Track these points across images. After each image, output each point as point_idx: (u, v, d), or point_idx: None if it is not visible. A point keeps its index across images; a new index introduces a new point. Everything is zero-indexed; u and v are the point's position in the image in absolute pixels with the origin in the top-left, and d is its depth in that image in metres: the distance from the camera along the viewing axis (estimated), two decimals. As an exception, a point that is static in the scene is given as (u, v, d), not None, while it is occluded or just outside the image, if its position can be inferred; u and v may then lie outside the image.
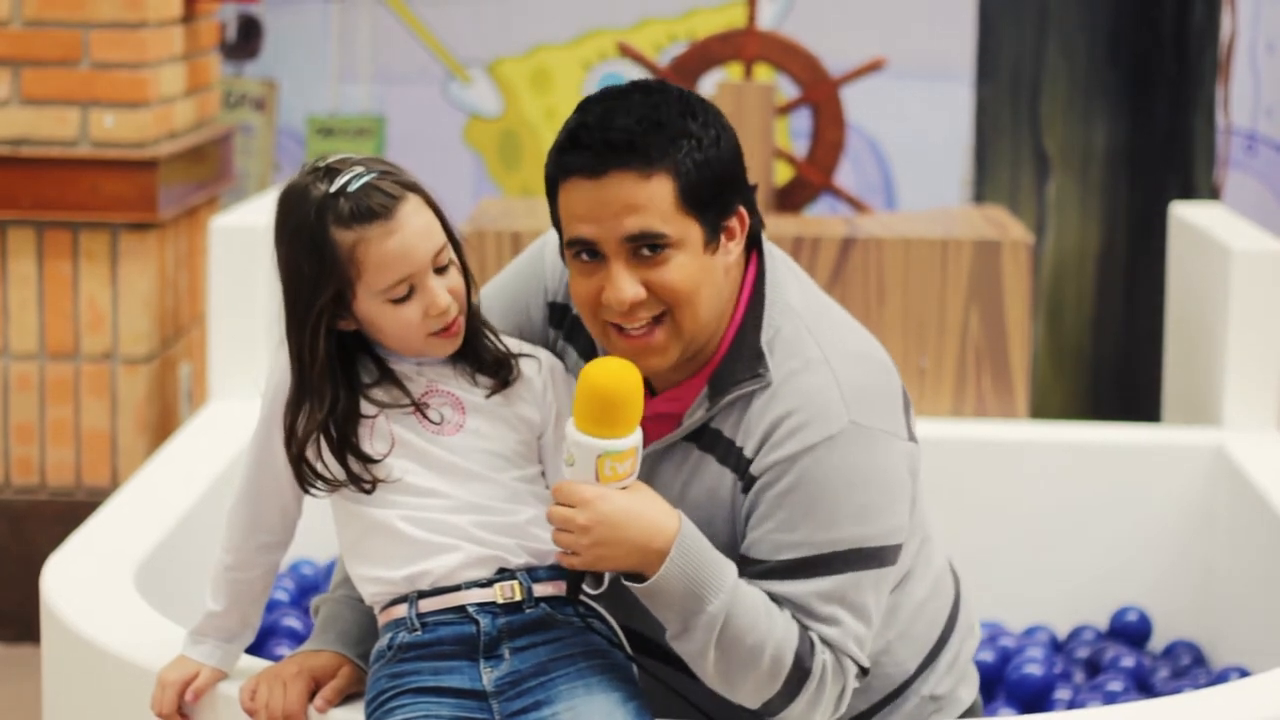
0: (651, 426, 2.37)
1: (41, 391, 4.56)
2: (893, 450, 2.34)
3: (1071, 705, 3.56)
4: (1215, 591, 3.92)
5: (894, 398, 2.38)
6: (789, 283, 2.40)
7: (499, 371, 2.38)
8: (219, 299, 4.16)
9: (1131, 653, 3.76)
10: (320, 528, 2.65)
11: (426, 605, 2.30)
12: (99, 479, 4.56)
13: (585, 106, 2.32)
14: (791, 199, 4.81)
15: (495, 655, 2.29)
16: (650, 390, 2.39)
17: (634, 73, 6.09)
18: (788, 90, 5.24)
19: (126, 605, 2.83)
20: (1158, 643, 3.98)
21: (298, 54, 6.23)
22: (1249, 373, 4.06)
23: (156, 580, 3.10)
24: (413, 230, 2.30)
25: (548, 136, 6.22)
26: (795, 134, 6.09)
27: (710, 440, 2.36)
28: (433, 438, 2.33)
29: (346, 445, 2.31)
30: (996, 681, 3.67)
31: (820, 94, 4.79)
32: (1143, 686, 3.69)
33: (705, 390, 2.35)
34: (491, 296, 2.52)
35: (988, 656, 3.71)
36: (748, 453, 2.33)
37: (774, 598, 2.30)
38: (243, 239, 4.15)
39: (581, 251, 2.31)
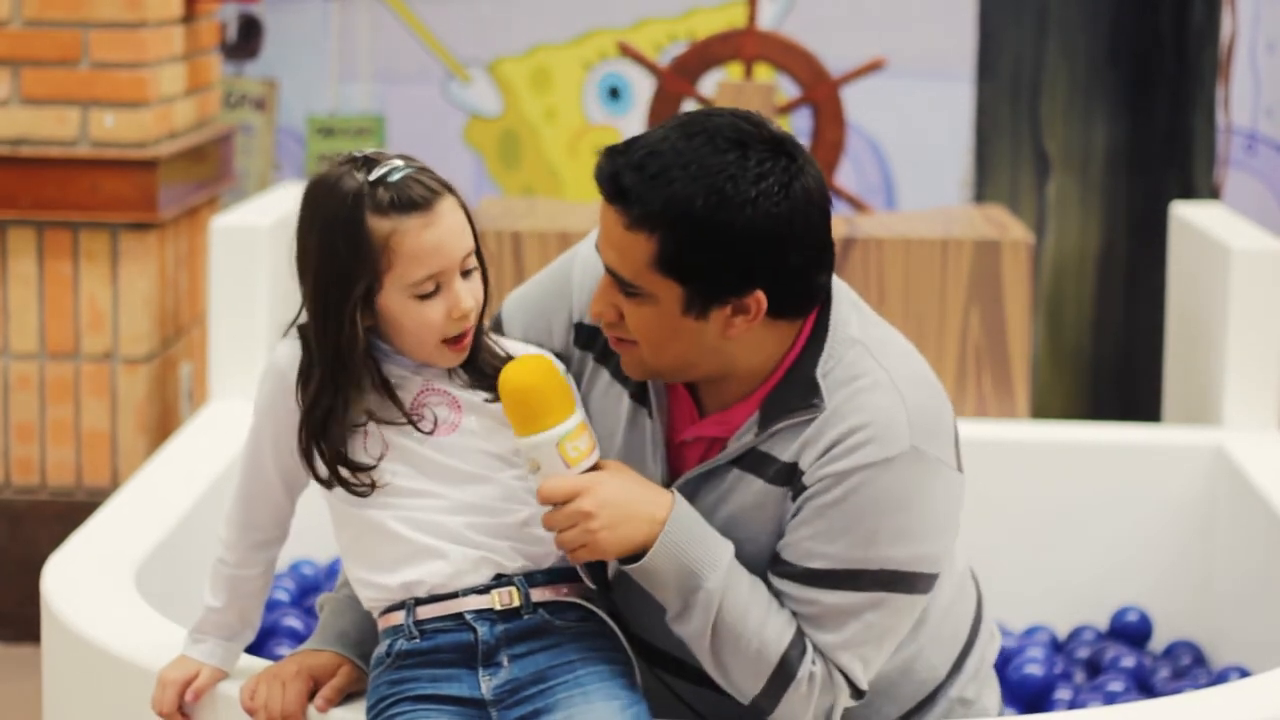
0: (696, 450, 2.36)
1: (42, 391, 4.56)
2: (943, 479, 2.30)
3: (1072, 705, 3.56)
4: (1215, 591, 3.92)
5: (949, 426, 2.34)
6: (849, 316, 2.35)
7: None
8: (219, 299, 4.16)
9: (1132, 653, 3.76)
10: (321, 528, 2.65)
11: (424, 612, 2.30)
12: (99, 479, 4.56)
13: (645, 134, 2.27)
14: (792, 199, 4.80)
15: (494, 663, 2.28)
16: (700, 411, 2.38)
17: (634, 73, 6.09)
18: (788, 90, 5.24)
19: (127, 605, 2.83)
20: (1158, 643, 3.98)
21: (298, 54, 6.23)
22: (1249, 373, 4.06)
23: (157, 580, 3.10)
24: (448, 227, 2.30)
25: (548, 136, 6.23)
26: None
27: (755, 461, 2.32)
28: (427, 439, 2.32)
29: (338, 457, 2.30)
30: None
31: (820, 94, 4.79)
32: (1143, 687, 3.69)
33: (756, 416, 2.32)
34: (513, 307, 2.51)
35: (988, 656, 3.72)
36: (803, 465, 2.28)
37: (787, 598, 2.29)
38: (243, 239, 4.15)
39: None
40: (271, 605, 3.75)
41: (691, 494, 2.34)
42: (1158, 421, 5.07)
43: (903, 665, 2.45)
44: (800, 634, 2.28)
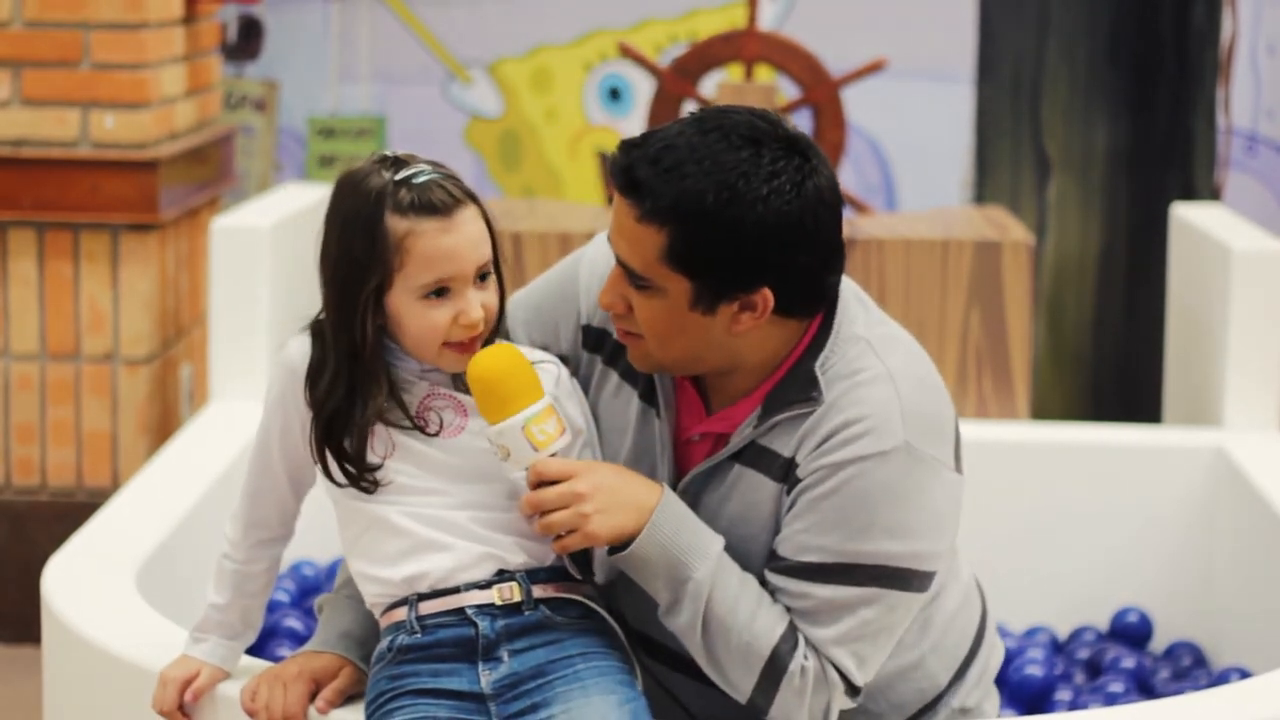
0: (701, 446, 2.37)
1: (42, 392, 4.56)
2: (940, 478, 2.30)
3: (1072, 706, 3.56)
4: (1216, 592, 3.92)
5: (949, 427, 2.35)
6: (856, 313, 2.36)
7: None
8: (220, 300, 4.16)
9: (1132, 654, 3.76)
10: (321, 528, 2.65)
11: (426, 608, 2.30)
12: (100, 480, 4.56)
13: (661, 128, 2.28)
14: (792, 200, 4.80)
15: (494, 657, 2.29)
16: (706, 409, 2.39)
17: (635, 74, 6.10)
18: (788, 91, 5.25)
19: (127, 606, 2.83)
20: (1158, 644, 3.98)
21: (298, 54, 6.23)
22: (1249, 373, 4.06)
23: (157, 581, 3.10)
24: (465, 235, 2.30)
25: (548, 137, 6.23)
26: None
27: (755, 456, 2.34)
28: (433, 441, 2.33)
29: (345, 456, 2.31)
30: (997, 683, 3.66)
31: (821, 95, 4.79)
32: (1143, 687, 3.69)
33: (758, 410, 2.33)
34: (519, 309, 2.51)
35: (988, 657, 3.72)
36: (799, 458, 2.30)
37: (782, 592, 2.29)
38: (244, 240, 4.15)
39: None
40: (272, 606, 3.75)
41: (697, 491, 2.35)
42: (1158, 422, 5.07)
43: (903, 671, 2.46)
44: (792, 628, 2.28)
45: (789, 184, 2.23)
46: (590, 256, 2.48)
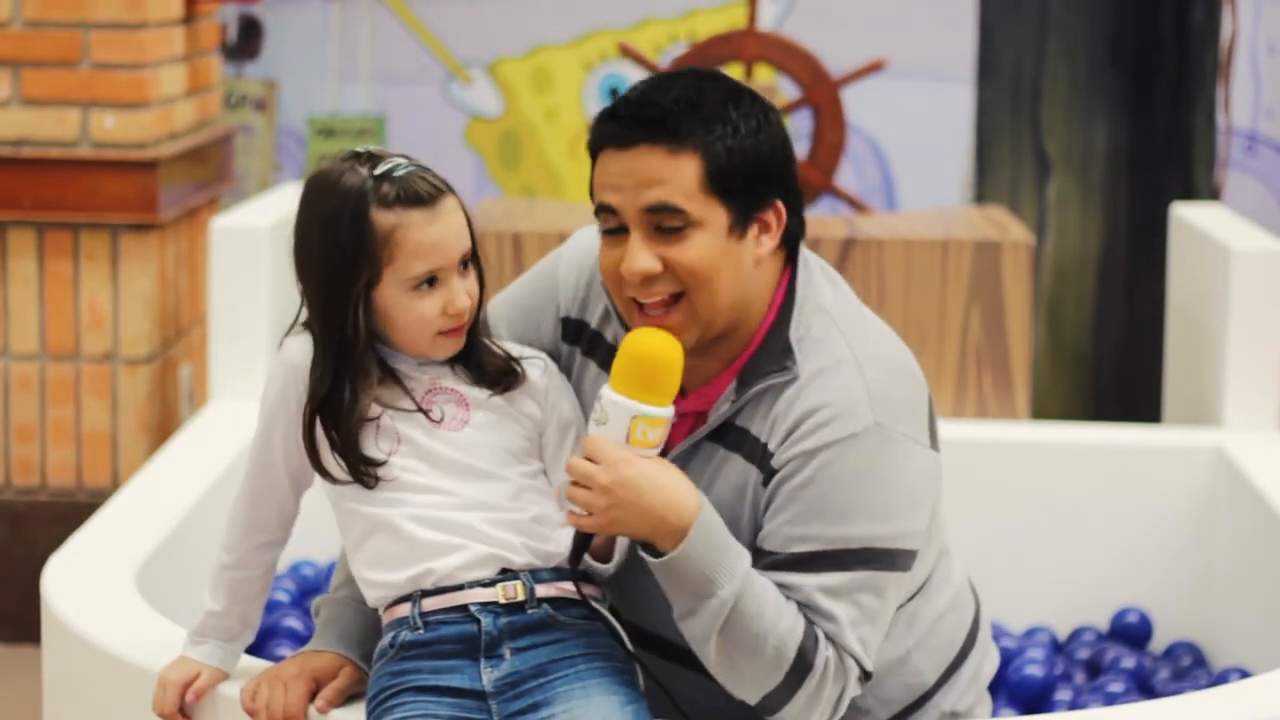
0: (680, 427, 2.38)
1: (42, 392, 4.56)
2: (913, 456, 2.33)
3: (1072, 706, 3.56)
4: (1216, 592, 3.92)
5: (919, 405, 2.37)
6: (823, 286, 2.40)
7: (503, 379, 2.38)
8: (219, 300, 4.16)
9: (1132, 654, 3.76)
10: (320, 528, 2.65)
11: (429, 604, 2.30)
12: (100, 480, 4.56)
13: (638, 84, 2.35)
14: (792, 200, 4.80)
15: (496, 655, 2.29)
16: (681, 390, 2.39)
17: (635, 74, 6.09)
18: (788, 91, 5.24)
19: (127, 606, 2.83)
20: (1158, 644, 3.98)
21: (298, 54, 6.23)
22: (1249, 373, 4.06)
23: (157, 581, 3.10)
24: (450, 225, 2.32)
25: (548, 137, 6.23)
26: (796, 135, 6.07)
27: (736, 438, 2.36)
28: (438, 434, 2.33)
29: (352, 450, 2.31)
30: (997, 683, 3.66)
31: (821, 95, 4.79)
32: (1143, 687, 3.69)
33: (733, 384, 2.36)
34: (501, 308, 2.53)
35: (988, 657, 3.72)
36: (771, 446, 2.33)
37: (780, 587, 2.29)
38: (243, 240, 4.15)
39: (608, 220, 2.32)
40: (271, 606, 3.75)
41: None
42: (1158, 422, 5.07)
43: (890, 666, 2.46)
44: (810, 624, 2.29)
45: (769, 109, 2.35)
46: (568, 254, 2.52)
